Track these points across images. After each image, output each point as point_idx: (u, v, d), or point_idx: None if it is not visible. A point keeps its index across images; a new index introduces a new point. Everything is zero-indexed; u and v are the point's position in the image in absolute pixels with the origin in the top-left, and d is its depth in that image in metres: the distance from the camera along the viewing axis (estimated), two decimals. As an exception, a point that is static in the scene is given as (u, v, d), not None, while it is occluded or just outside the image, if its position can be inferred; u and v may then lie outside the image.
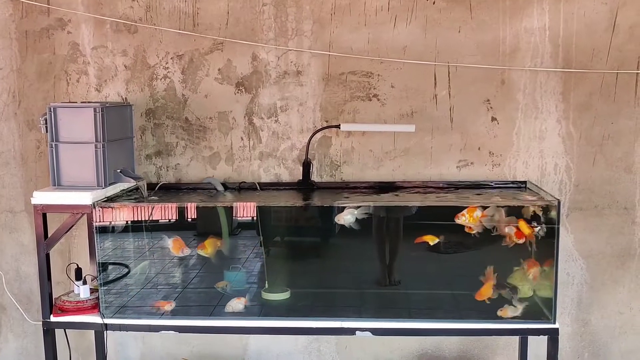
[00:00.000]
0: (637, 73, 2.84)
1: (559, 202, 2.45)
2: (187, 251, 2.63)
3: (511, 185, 2.91)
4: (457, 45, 2.87)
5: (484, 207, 2.52)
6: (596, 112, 2.88)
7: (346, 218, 2.58)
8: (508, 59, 2.87)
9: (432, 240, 2.57)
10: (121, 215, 2.66)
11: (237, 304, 2.65)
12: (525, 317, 2.53)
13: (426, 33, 2.88)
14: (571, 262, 2.99)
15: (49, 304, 2.62)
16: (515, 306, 2.53)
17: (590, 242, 2.97)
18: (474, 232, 2.53)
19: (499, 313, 2.54)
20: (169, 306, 2.66)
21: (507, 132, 2.92)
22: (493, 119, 2.92)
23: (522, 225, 2.50)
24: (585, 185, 2.93)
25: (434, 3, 2.87)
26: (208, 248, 2.65)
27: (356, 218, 2.58)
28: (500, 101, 2.90)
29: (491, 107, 2.91)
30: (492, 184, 2.92)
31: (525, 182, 2.91)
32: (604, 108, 2.87)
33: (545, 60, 2.86)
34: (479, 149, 2.94)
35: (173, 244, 2.63)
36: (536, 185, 2.84)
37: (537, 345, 2.79)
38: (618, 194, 2.92)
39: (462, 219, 2.51)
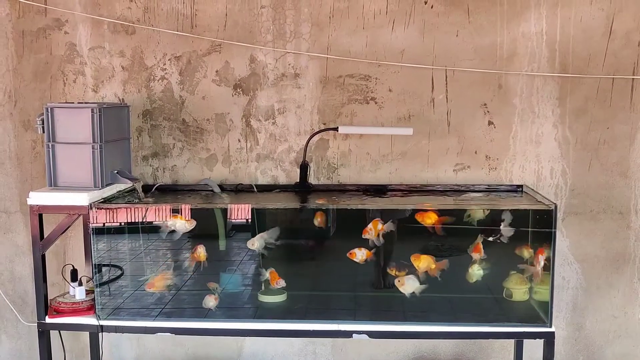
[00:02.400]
0: (633, 79, 2.86)
1: (555, 207, 2.46)
2: (282, 283, 2.67)
3: (507, 189, 2.92)
4: (455, 49, 2.89)
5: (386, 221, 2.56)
6: (592, 117, 2.90)
7: (256, 244, 2.62)
8: (505, 64, 2.88)
9: (431, 218, 2.55)
10: (117, 216, 2.65)
11: (209, 300, 2.65)
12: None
13: (424, 37, 2.89)
14: (566, 266, 3.00)
15: (44, 306, 2.60)
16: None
17: (586, 247, 2.99)
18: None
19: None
20: (213, 302, 2.66)
21: (504, 136, 2.93)
22: (490, 123, 2.93)
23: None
24: (581, 190, 2.95)
25: (432, 7, 2.88)
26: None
27: (265, 245, 2.62)
28: (497, 105, 2.91)
29: (488, 111, 2.92)
30: (488, 187, 2.94)
31: (521, 186, 2.92)
32: (599, 113, 2.89)
33: (542, 65, 2.87)
34: (475, 152, 2.95)
35: (271, 276, 2.67)
36: (532, 189, 2.85)
37: (532, 349, 2.80)
38: (613, 199, 2.94)
39: (370, 233, 2.55)
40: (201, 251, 2.64)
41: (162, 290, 2.72)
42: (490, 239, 2.56)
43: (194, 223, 2.61)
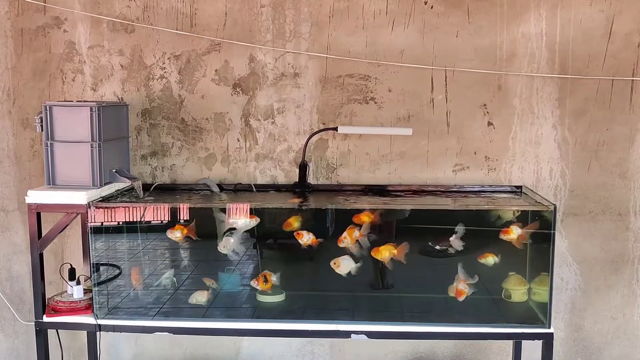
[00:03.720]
0: (633, 80, 2.86)
1: (555, 207, 2.46)
2: (213, 283, 2.66)
3: (507, 189, 2.92)
4: (455, 49, 2.88)
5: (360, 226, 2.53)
6: (591, 118, 2.90)
7: (228, 245, 2.61)
8: (505, 64, 2.88)
9: (367, 218, 2.54)
10: (116, 215, 2.64)
11: (200, 296, 2.65)
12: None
13: (424, 37, 2.89)
14: (565, 267, 3.00)
15: (42, 304, 2.59)
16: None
17: (585, 248, 2.99)
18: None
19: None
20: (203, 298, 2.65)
21: (503, 137, 2.93)
22: (489, 123, 2.93)
23: None
24: (580, 191, 2.95)
25: (431, 7, 2.87)
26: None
27: (233, 249, 2.61)
28: (497, 106, 2.91)
29: (487, 112, 2.92)
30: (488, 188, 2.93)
31: (520, 187, 2.92)
32: (599, 114, 2.89)
33: (541, 66, 2.87)
34: (475, 153, 2.95)
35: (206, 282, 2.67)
36: (532, 190, 2.85)
37: (531, 350, 2.80)
38: (612, 200, 2.94)
39: (345, 241, 2.53)
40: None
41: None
42: (437, 247, 2.59)
43: (257, 220, 2.57)
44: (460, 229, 2.56)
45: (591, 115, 2.89)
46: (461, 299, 2.52)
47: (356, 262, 2.54)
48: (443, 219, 2.65)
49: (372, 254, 2.53)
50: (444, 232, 2.59)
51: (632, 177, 2.92)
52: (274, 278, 2.63)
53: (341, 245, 2.53)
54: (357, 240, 2.53)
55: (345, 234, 2.52)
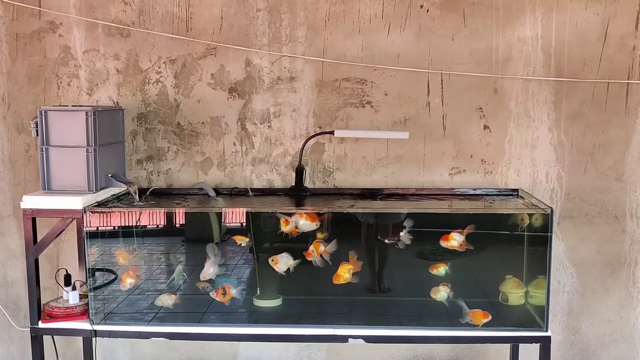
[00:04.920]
0: (628, 83, 2.87)
1: (551, 210, 2.46)
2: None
3: (503, 193, 2.92)
4: (451, 53, 2.89)
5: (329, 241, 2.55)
6: (587, 121, 2.90)
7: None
8: (501, 68, 2.89)
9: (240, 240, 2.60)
10: (112, 220, 2.63)
11: (167, 299, 2.64)
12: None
13: (420, 41, 2.89)
14: (562, 270, 3.00)
15: (37, 310, 2.58)
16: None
17: (581, 251, 2.99)
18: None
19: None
20: (169, 299, 2.63)
21: (499, 140, 2.93)
22: (485, 127, 2.93)
23: None
24: (576, 194, 2.95)
25: (427, 11, 2.88)
26: None
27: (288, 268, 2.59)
28: (493, 109, 2.92)
29: (484, 115, 2.92)
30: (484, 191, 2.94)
31: (517, 190, 2.92)
32: (595, 117, 2.90)
33: (537, 69, 2.88)
34: (471, 156, 2.95)
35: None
36: (528, 193, 2.85)
37: (528, 353, 2.79)
38: (609, 203, 2.94)
39: (312, 255, 2.54)
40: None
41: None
42: (387, 241, 2.59)
43: (318, 223, 2.55)
44: (409, 223, 2.55)
45: (587, 118, 2.90)
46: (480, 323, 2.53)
47: (295, 259, 2.54)
48: (439, 221, 2.64)
49: (334, 281, 2.55)
50: (441, 234, 2.58)
51: (628, 180, 2.93)
52: (233, 291, 2.62)
53: (310, 259, 2.55)
54: (321, 255, 2.55)
55: (312, 247, 2.54)
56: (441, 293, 2.55)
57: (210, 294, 2.62)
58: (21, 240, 2.94)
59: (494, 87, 2.90)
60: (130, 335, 2.65)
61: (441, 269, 2.55)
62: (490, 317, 2.52)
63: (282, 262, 2.55)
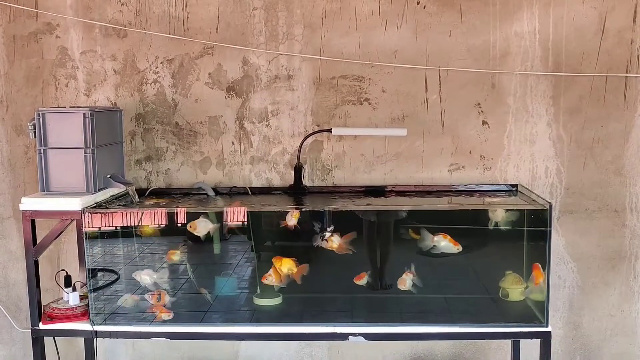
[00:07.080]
0: (626, 77, 2.86)
1: (550, 206, 2.45)
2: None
3: (502, 188, 2.92)
4: (448, 49, 2.88)
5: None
6: (586, 116, 2.89)
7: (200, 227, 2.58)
8: (498, 63, 2.88)
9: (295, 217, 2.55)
10: (111, 221, 2.63)
11: (130, 299, 2.64)
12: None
13: (417, 37, 2.88)
14: (562, 265, 3.00)
15: (38, 312, 2.58)
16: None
17: (581, 245, 2.99)
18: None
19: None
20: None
21: (498, 135, 2.93)
22: (484, 122, 2.93)
23: None
24: (576, 189, 2.94)
25: (424, 7, 2.87)
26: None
27: (208, 231, 2.58)
28: (491, 105, 2.91)
29: (482, 111, 2.92)
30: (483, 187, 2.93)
31: (516, 186, 2.91)
32: (593, 111, 2.89)
33: (535, 64, 2.87)
34: (470, 152, 2.95)
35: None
36: (527, 189, 2.85)
37: (529, 348, 2.79)
38: (608, 197, 2.94)
39: (269, 279, 2.56)
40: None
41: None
42: (324, 234, 2.58)
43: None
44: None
45: (586, 113, 2.89)
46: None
47: (214, 223, 2.54)
48: (438, 218, 2.64)
49: (274, 260, 2.56)
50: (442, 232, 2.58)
51: (627, 174, 2.92)
52: (167, 297, 2.62)
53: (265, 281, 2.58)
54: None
55: (271, 272, 2.57)
56: (407, 282, 2.54)
57: (145, 296, 2.63)
58: (21, 241, 2.94)
59: (492, 83, 2.89)
60: (131, 336, 2.66)
61: (364, 279, 2.57)
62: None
63: (201, 227, 2.53)
